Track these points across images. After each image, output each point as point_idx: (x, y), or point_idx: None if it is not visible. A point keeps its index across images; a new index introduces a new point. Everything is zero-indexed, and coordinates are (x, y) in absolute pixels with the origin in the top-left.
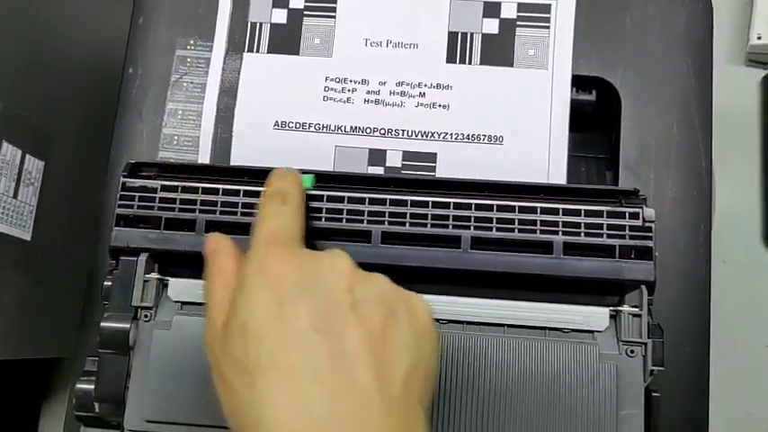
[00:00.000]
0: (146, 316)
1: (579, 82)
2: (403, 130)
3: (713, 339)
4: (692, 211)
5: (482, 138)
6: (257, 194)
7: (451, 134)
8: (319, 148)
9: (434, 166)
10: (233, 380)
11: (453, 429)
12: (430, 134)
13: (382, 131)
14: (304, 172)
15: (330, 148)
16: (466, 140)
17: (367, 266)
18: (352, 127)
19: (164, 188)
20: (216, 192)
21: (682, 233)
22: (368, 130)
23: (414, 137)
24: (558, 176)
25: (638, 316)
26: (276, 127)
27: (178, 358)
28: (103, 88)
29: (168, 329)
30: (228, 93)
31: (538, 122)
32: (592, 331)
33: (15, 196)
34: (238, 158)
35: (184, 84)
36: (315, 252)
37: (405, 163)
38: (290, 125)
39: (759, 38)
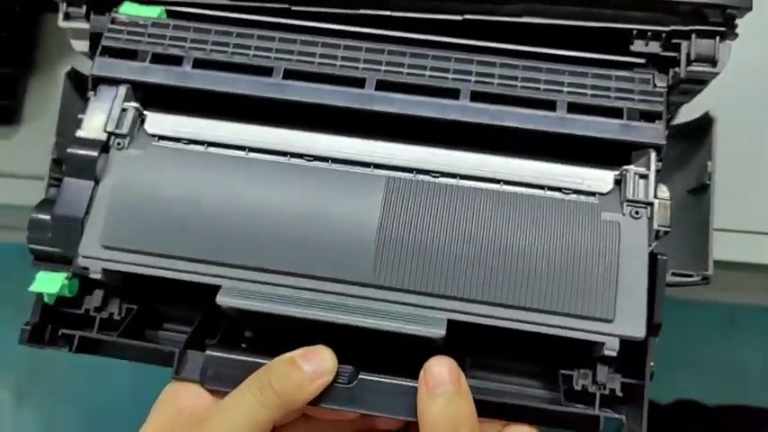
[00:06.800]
0: (119, 144)
1: None
2: None
3: None
4: None
5: None
6: (250, 36)
7: None
8: None
9: None
10: None
11: (449, 280)
12: None
13: None
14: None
15: None
16: None
17: (358, 113)
18: None
19: (155, 24)
20: (208, 31)
21: None
22: None
23: None
24: None
25: (645, 177)
26: None
27: (147, 185)
28: None
29: (141, 156)
30: None
31: None
32: (594, 193)
33: None
34: None
35: None
36: None
37: None
38: None
39: None
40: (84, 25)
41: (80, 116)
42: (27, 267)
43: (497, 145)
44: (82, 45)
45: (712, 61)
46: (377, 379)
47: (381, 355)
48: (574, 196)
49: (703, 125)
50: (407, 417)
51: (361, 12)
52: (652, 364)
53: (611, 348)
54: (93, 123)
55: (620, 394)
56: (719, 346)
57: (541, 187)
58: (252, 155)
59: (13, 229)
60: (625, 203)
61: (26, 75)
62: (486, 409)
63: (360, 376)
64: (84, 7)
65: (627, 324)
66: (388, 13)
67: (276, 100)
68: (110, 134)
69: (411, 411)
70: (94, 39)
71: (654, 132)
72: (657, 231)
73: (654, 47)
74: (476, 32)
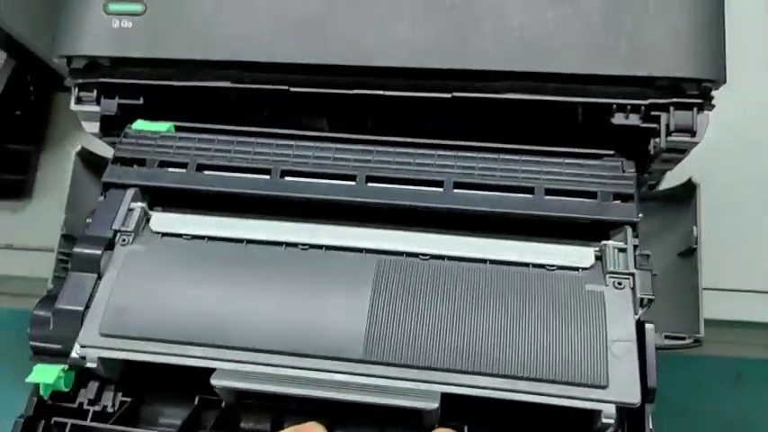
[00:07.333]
0: (123, 240)
1: None
2: None
3: None
4: None
5: None
6: (250, 143)
7: None
8: None
9: None
10: None
11: (441, 353)
12: None
13: None
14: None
15: None
16: None
17: (350, 206)
18: None
19: (163, 137)
20: (212, 141)
21: None
22: None
23: None
24: None
25: (624, 250)
26: None
27: (146, 276)
28: None
29: (144, 250)
30: None
31: None
32: (577, 268)
33: None
34: None
35: None
36: None
37: None
38: None
39: None
40: (95, 108)
41: (88, 220)
42: None
43: (482, 227)
44: (92, 126)
45: (691, 131)
46: None
47: (377, 428)
48: (558, 272)
49: (687, 190)
50: None
51: (355, 92)
52: None
53: (609, 416)
54: (100, 224)
55: None
56: (727, 402)
57: (525, 265)
58: (250, 246)
59: (24, 297)
60: (607, 275)
61: (38, 151)
62: None
63: None
64: (95, 92)
65: (621, 390)
66: (380, 92)
67: (273, 197)
68: (116, 232)
69: None
70: (104, 121)
71: (628, 211)
72: (642, 300)
73: (634, 119)
74: (464, 108)
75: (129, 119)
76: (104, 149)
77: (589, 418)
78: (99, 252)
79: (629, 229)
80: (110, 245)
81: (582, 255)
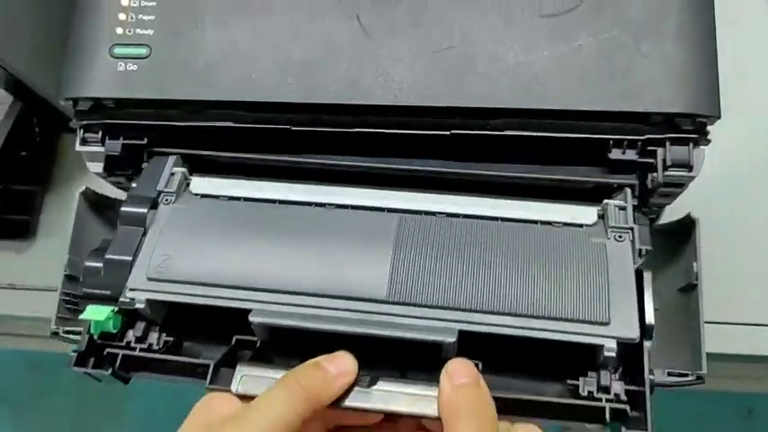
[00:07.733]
0: (166, 200)
1: None
2: None
3: None
4: None
5: None
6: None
7: None
8: None
9: None
10: None
11: (458, 295)
12: None
13: None
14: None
15: None
16: None
17: (373, 172)
18: None
19: None
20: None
21: None
22: None
23: None
24: None
25: (624, 209)
26: None
27: (189, 228)
28: None
29: (185, 208)
30: None
31: None
32: (581, 225)
33: None
34: None
35: None
36: None
37: None
38: None
39: None
40: (100, 149)
41: (133, 184)
42: (41, 375)
43: (494, 190)
44: (97, 167)
45: (687, 166)
46: (397, 382)
47: (399, 369)
48: (564, 228)
49: (686, 226)
50: (430, 413)
51: (356, 130)
52: (652, 377)
53: (610, 350)
54: (145, 186)
55: (624, 398)
56: None
57: (534, 222)
58: (282, 206)
59: (27, 338)
60: (609, 230)
61: (42, 191)
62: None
63: (380, 381)
64: (100, 133)
65: (621, 326)
66: (380, 130)
67: (302, 163)
68: (159, 192)
69: (432, 409)
70: (109, 161)
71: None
72: (640, 250)
73: (631, 154)
74: (463, 144)
75: (132, 159)
76: (109, 190)
77: (592, 353)
78: (145, 210)
79: (629, 190)
80: (154, 204)
81: (586, 213)
